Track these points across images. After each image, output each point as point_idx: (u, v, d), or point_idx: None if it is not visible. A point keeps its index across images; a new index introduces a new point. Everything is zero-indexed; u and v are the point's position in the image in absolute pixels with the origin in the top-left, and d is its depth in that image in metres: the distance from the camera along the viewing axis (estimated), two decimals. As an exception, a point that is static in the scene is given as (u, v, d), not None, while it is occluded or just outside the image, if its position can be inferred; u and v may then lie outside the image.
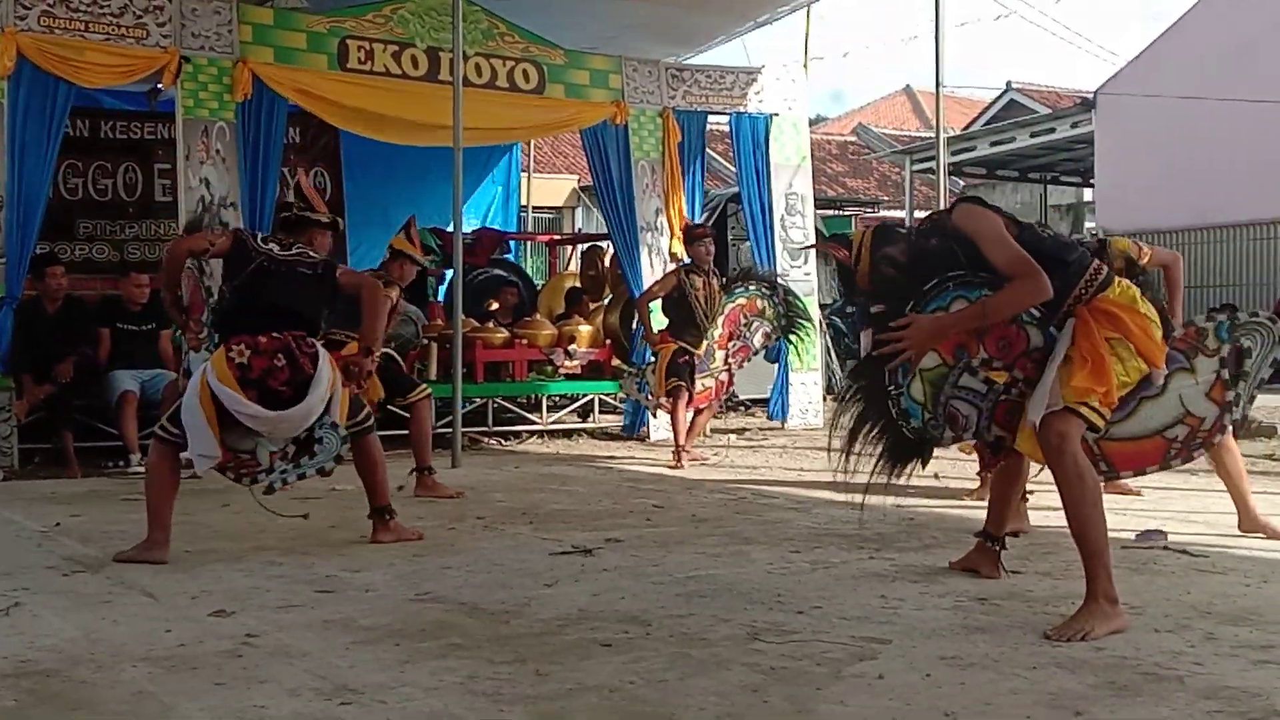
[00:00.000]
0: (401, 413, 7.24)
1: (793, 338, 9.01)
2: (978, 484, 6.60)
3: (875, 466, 3.98)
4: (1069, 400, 3.73)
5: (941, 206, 5.91)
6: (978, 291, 3.83)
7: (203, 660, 3.35)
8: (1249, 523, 5.38)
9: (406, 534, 5.33)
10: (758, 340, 8.89)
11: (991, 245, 3.80)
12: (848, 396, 4.05)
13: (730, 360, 8.79)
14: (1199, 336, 4.04)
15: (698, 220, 10.49)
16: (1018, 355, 3.89)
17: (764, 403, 11.67)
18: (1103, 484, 4.09)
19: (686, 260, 9.09)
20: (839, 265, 4.40)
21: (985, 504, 5.16)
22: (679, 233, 10.08)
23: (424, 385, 7.21)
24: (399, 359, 7.23)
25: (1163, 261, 6.07)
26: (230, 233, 5.36)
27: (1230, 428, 4.11)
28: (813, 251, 11.25)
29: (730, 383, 9.11)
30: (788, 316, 8.82)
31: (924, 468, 4.10)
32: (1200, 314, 4.38)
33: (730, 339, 8.74)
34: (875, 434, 3.96)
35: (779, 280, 9.25)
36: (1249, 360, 4.07)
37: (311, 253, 5.22)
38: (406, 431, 7.15)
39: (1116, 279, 3.95)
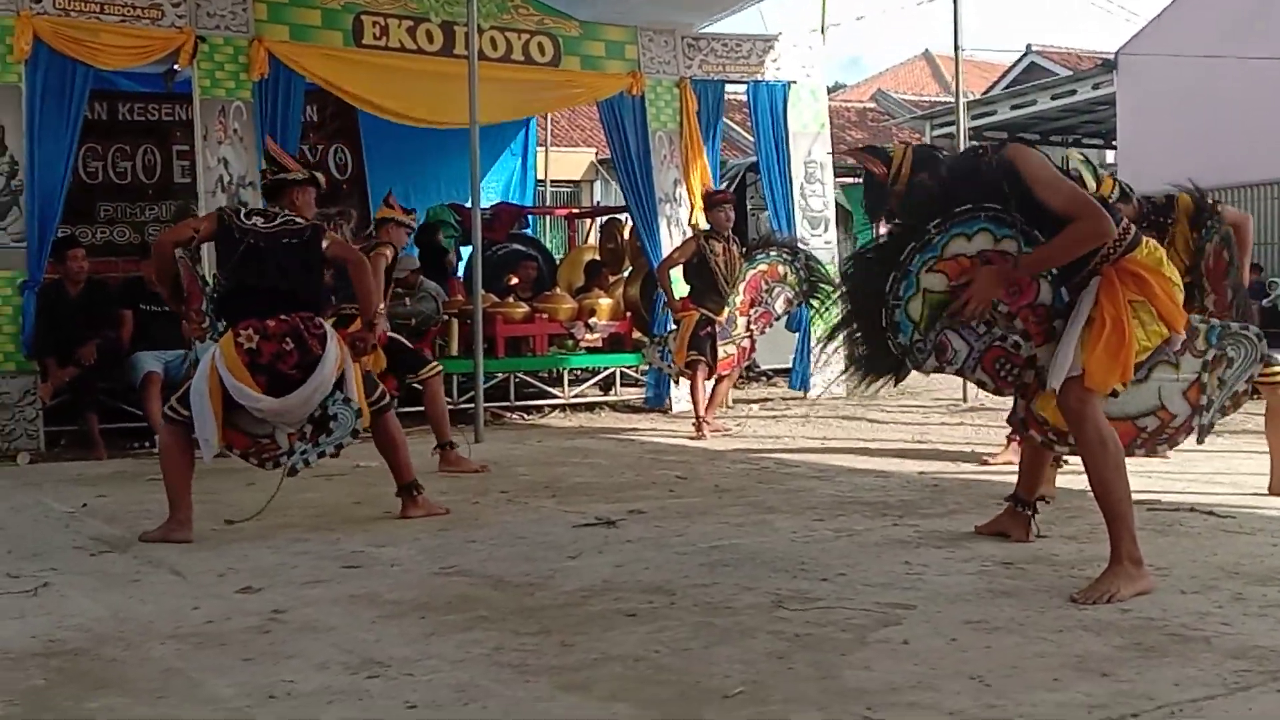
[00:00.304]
0: (418, 386, 7.26)
1: (814, 302, 8.98)
2: (1003, 448, 6.59)
3: (847, 368, 3.99)
4: (1091, 382, 3.70)
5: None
6: (1007, 230, 3.80)
7: (230, 637, 3.37)
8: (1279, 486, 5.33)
9: (435, 509, 5.35)
10: (779, 306, 8.87)
11: (1047, 186, 3.75)
12: (844, 293, 4.08)
13: (752, 327, 8.78)
14: (1191, 334, 4.02)
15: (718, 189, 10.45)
16: (1023, 305, 3.86)
17: (785, 373, 11.65)
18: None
19: (706, 226, 9.05)
20: (868, 178, 4.31)
21: (1010, 468, 5.15)
22: (700, 201, 10.06)
23: (435, 362, 7.22)
24: (404, 341, 7.24)
25: (1233, 221, 6.00)
26: (213, 215, 5.24)
27: (1197, 431, 4.10)
28: (832, 220, 11.21)
29: (752, 349, 9.10)
30: (809, 281, 8.79)
31: (895, 386, 4.10)
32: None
33: (752, 305, 8.72)
34: (859, 338, 3.97)
35: (800, 246, 9.22)
36: (1229, 370, 4.05)
37: (296, 220, 5.13)
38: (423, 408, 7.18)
39: (1145, 240, 3.90)
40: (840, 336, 4.03)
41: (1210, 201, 5.68)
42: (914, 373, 4.03)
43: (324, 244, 5.10)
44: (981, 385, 4.10)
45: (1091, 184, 5.22)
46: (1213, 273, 5.12)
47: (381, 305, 6.48)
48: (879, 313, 3.89)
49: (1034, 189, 3.76)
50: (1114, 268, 3.80)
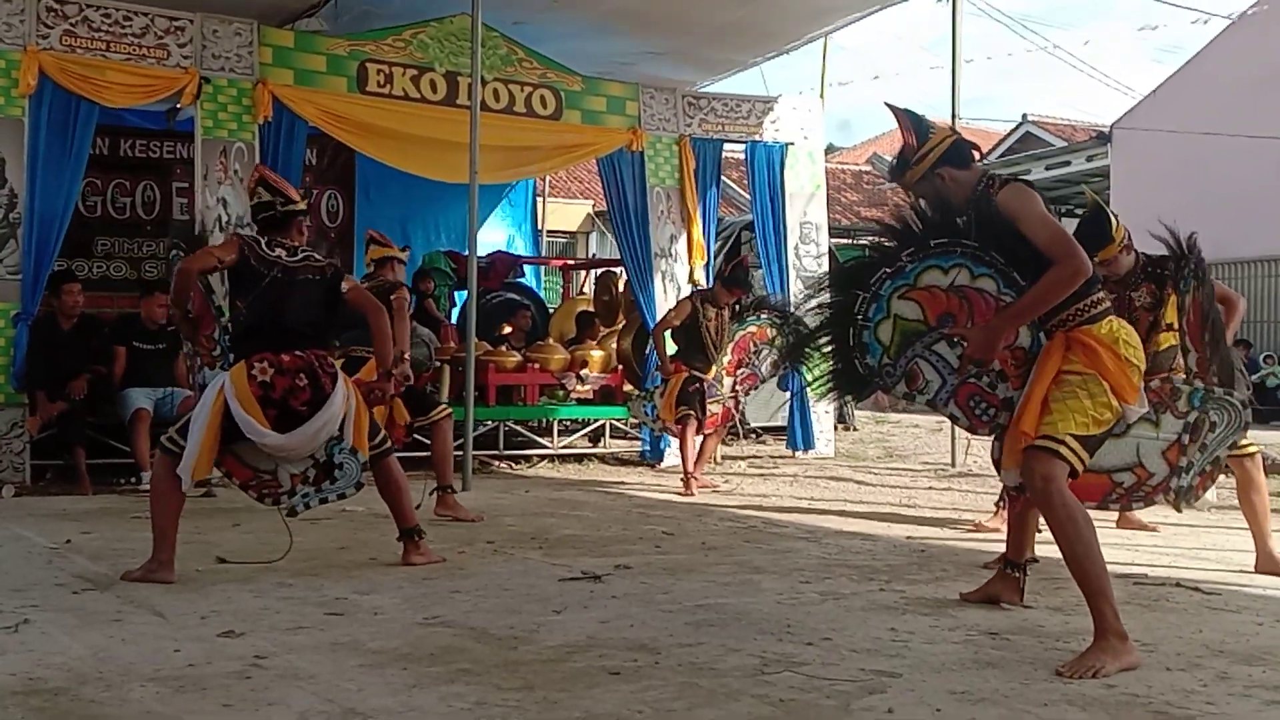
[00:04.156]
0: (420, 438, 7.25)
1: (801, 370, 9.00)
2: (991, 514, 6.59)
3: (815, 380, 4.08)
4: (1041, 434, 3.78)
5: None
6: (984, 269, 3.88)
7: (211, 681, 3.34)
8: (1265, 564, 5.34)
9: (433, 557, 5.34)
10: (766, 369, 8.90)
11: (1034, 224, 3.82)
12: (817, 308, 4.18)
13: (738, 388, 8.80)
14: (1173, 395, 4.04)
15: (713, 249, 10.53)
16: (1002, 347, 3.93)
17: (774, 431, 11.67)
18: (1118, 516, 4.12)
19: (706, 288, 9.09)
20: (902, 149, 4.26)
21: (998, 535, 5.14)
22: (702, 255, 10.20)
23: (445, 405, 7.21)
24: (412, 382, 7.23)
25: (1224, 296, 6.11)
26: (233, 243, 5.09)
27: (1175, 494, 4.11)
28: (818, 286, 11.27)
29: (737, 409, 9.12)
30: (796, 347, 8.79)
31: (857, 401, 4.18)
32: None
33: (739, 366, 8.76)
34: (828, 352, 4.09)
35: (791, 310, 9.24)
36: (1211, 434, 4.06)
37: (316, 256, 5.14)
38: (426, 454, 7.17)
39: (1108, 318, 3.95)
40: (809, 349, 4.14)
41: (1187, 253, 5.78)
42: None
43: (344, 287, 5.11)
44: (955, 420, 4.18)
45: (1113, 223, 5.38)
46: (1191, 327, 5.16)
47: (406, 354, 6.48)
48: (847, 332, 3.99)
49: (1019, 225, 3.83)
50: (1066, 335, 3.88)
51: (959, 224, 3.92)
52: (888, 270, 3.95)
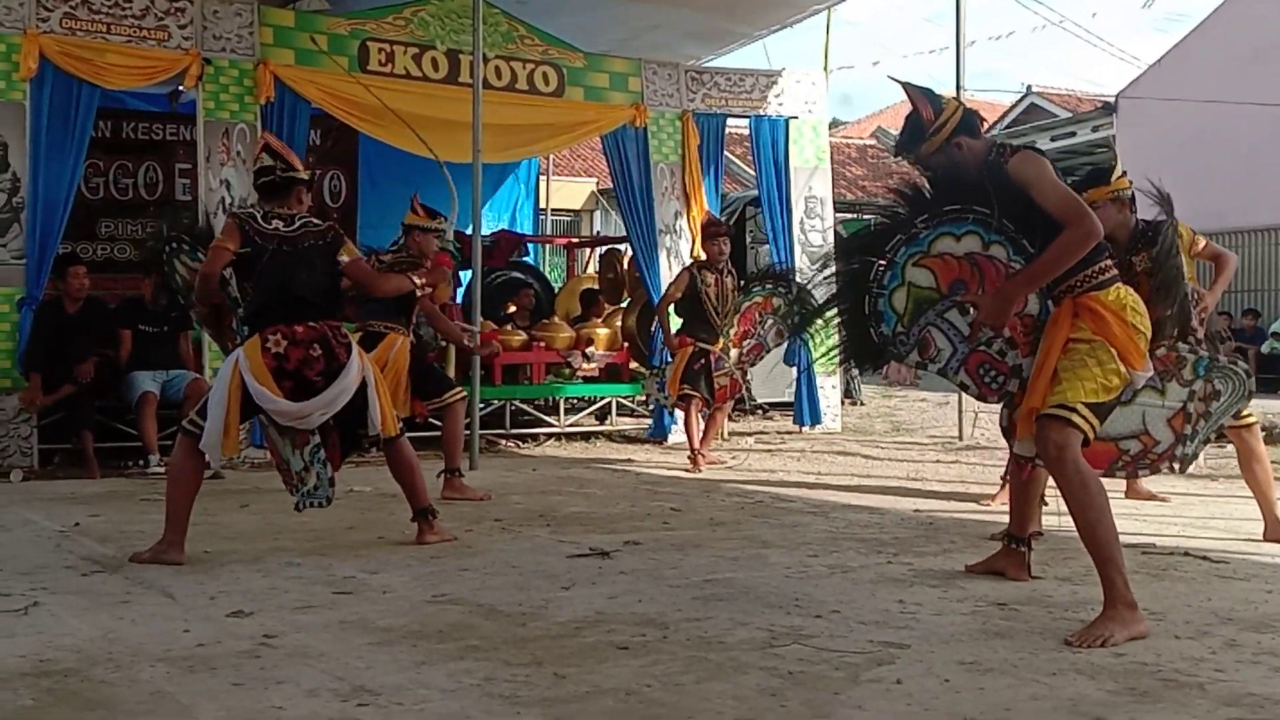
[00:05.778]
0: (432, 419, 7.21)
1: (805, 339, 8.99)
2: (998, 488, 6.58)
3: (825, 352, 4.09)
4: (1053, 403, 3.76)
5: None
6: (995, 235, 3.87)
7: (221, 660, 3.35)
8: (1274, 532, 5.34)
9: (446, 536, 5.34)
10: (772, 338, 8.88)
11: (1044, 190, 3.79)
12: (830, 277, 4.15)
13: (745, 358, 8.79)
14: (1178, 364, 4.04)
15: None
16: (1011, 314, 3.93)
17: (782, 406, 11.66)
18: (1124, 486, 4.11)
19: (702, 256, 9.07)
20: (910, 118, 4.14)
21: (1005, 508, 5.14)
22: (699, 231, 10.14)
23: (459, 387, 7.17)
24: (432, 364, 7.19)
25: (1215, 254, 6.16)
26: (231, 226, 5.01)
27: (1179, 460, 4.11)
28: (830, 255, 11.24)
29: (744, 379, 9.10)
30: (800, 314, 8.77)
31: (872, 371, 4.17)
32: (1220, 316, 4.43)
33: (745, 337, 8.74)
34: (841, 321, 4.06)
35: (796, 280, 9.22)
36: (1216, 402, 4.06)
37: (315, 221, 5.09)
38: (436, 433, 7.14)
39: (1116, 285, 3.93)
40: (821, 320, 4.12)
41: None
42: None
43: (343, 259, 5.04)
44: (964, 389, 4.15)
45: (1113, 173, 5.41)
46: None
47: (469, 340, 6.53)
48: (862, 300, 3.96)
49: (1030, 191, 3.81)
50: (1074, 301, 3.87)
51: (971, 190, 3.89)
52: (902, 237, 3.93)
